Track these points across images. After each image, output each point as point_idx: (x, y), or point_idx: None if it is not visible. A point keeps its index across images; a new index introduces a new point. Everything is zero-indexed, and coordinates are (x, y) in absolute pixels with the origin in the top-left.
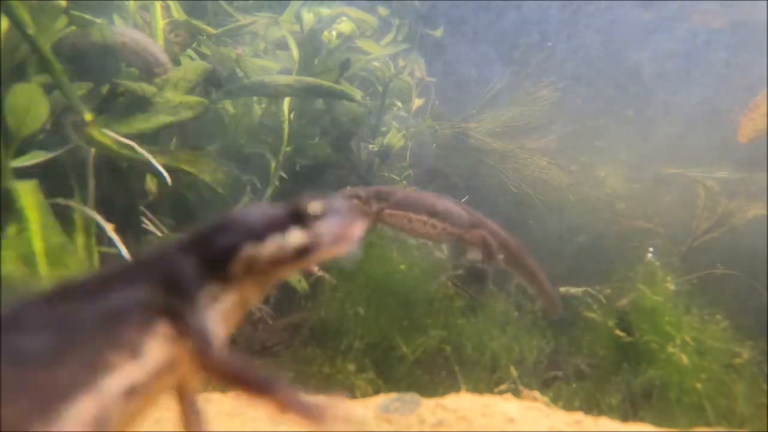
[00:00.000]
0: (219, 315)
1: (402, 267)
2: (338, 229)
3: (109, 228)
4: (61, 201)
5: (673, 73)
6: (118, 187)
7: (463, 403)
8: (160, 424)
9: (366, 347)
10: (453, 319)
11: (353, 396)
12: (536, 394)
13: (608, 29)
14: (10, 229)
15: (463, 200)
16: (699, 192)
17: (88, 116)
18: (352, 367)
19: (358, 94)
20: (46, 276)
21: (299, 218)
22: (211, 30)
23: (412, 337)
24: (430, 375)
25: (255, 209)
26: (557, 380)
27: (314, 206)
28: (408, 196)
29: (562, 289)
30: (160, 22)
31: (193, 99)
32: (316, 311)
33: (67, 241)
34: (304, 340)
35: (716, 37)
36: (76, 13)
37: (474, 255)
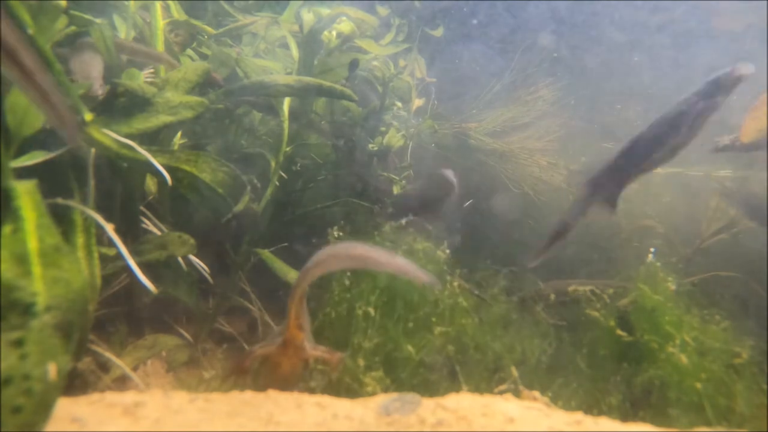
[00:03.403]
0: None
1: None
2: None
3: (109, 228)
4: (60, 201)
5: (676, 73)
6: (118, 187)
7: (463, 403)
8: (159, 424)
9: (375, 346)
10: (458, 319)
11: (359, 394)
12: (536, 394)
13: (613, 29)
14: (5, 229)
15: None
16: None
17: (88, 116)
18: (360, 364)
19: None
20: (39, 276)
21: None
22: (211, 30)
23: (417, 338)
24: (435, 375)
25: None
26: (557, 380)
27: None
28: None
29: (570, 288)
30: (160, 22)
31: (193, 99)
32: (324, 310)
33: (63, 241)
34: (315, 336)
35: (727, 38)
36: (76, 13)
37: None
